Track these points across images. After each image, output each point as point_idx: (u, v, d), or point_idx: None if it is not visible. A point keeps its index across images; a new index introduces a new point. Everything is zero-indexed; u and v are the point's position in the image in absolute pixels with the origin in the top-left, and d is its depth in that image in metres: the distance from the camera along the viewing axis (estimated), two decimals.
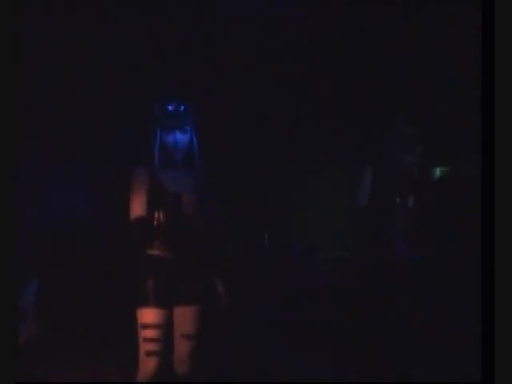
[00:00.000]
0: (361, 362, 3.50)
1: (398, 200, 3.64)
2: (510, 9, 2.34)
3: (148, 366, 2.78)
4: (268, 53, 4.84)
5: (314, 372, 3.72)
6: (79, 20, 4.52)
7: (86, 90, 4.80)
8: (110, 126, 4.83)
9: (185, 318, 2.87)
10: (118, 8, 4.51)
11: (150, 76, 4.64)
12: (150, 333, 2.78)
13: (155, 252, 2.86)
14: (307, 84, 4.94)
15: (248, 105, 4.93)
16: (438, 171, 3.73)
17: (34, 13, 4.15)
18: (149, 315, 2.80)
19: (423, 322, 3.53)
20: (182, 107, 2.91)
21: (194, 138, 2.94)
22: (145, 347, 2.79)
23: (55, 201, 4.82)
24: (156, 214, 2.63)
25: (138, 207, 2.82)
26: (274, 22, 4.72)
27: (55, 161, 4.85)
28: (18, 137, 2.38)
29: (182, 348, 2.87)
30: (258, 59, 4.87)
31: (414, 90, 4.64)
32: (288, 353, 3.97)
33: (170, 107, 2.90)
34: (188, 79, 4.43)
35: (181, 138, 2.88)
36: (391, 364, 3.39)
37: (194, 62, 4.73)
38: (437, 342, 3.50)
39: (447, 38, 4.45)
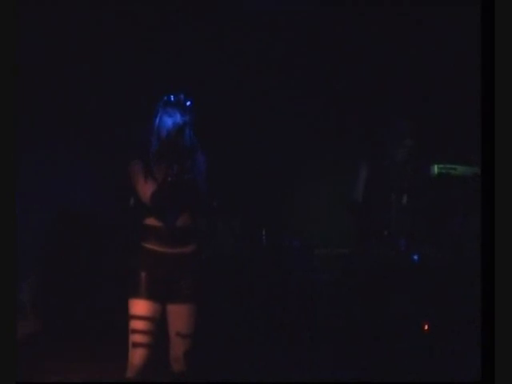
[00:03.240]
0: (361, 362, 3.50)
1: (396, 197, 3.65)
2: (509, 9, 2.34)
3: (135, 357, 2.78)
4: (268, 53, 4.84)
5: (314, 372, 3.71)
6: (79, 20, 4.52)
7: (86, 90, 4.80)
8: (110, 126, 4.83)
9: (180, 316, 2.86)
10: (118, 8, 4.51)
11: (150, 76, 4.64)
12: (138, 324, 2.78)
13: (152, 246, 2.85)
14: (307, 84, 4.94)
15: (248, 104, 4.92)
16: (436, 170, 3.72)
17: (34, 13, 4.15)
18: (138, 307, 2.79)
19: (424, 320, 3.53)
20: (183, 100, 2.90)
21: (192, 133, 2.90)
22: (132, 338, 2.79)
23: (55, 200, 4.82)
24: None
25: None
26: (275, 22, 4.72)
27: (55, 160, 4.84)
28: (18, 136, 2.38)
29: (177, 346, 2.87)
30: (258, 59, 4.87)
31: (414, 90, 4.64)
32: (288, 353, 3.96)
33: (172, 98, 2.89)
34: (188, 78, 4.43)
35: (180, 131, 2.83)
36: (391, 364, 3.39)
37: (195, 61, 4.73)
38: (437, 342, 3.50)
39: (447, 38, 4.45)
